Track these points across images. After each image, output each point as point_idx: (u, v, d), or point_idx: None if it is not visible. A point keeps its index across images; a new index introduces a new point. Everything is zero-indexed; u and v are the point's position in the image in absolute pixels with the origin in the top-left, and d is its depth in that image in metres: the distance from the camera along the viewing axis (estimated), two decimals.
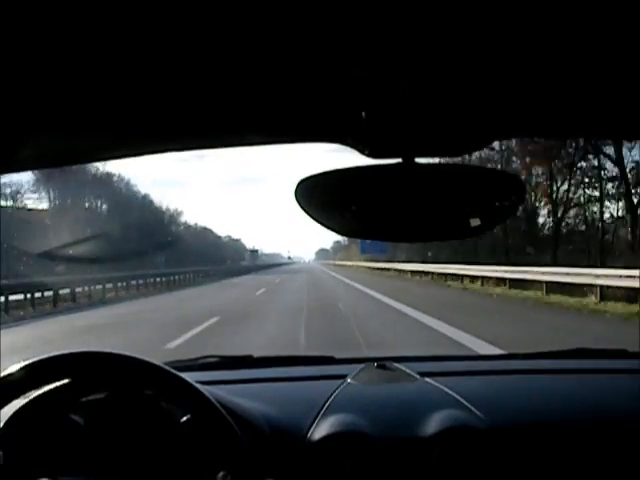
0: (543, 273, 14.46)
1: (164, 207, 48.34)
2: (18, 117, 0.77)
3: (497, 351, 5.95)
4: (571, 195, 24.15)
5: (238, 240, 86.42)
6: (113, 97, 0.75)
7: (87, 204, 36.80)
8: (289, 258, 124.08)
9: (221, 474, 0.99)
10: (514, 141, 22.65)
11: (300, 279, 29.17)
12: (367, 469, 1.15)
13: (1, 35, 0.59)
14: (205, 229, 64.45)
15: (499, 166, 21.87)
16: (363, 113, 0.76)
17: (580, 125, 0.91)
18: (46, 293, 16.12)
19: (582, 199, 24.22)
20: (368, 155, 0.81)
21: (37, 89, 0.71)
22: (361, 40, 0.64)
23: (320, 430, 1.19)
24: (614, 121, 0.88)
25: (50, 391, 1.05)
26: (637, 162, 21.83)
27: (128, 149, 0.90)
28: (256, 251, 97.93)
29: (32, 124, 0.80)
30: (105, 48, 0.64)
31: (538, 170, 24.66)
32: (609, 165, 23.03)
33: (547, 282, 14.15)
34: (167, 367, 1.06)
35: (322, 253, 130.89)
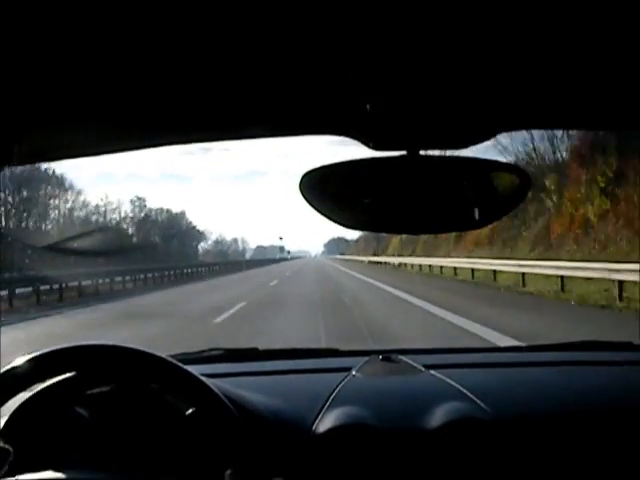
0: None
1: None
2: (19, 110, 0.77)
3: None
4: None
5: (178, 214, 52.03)
6: (115, 90, 0.75)
7: None
8: (282, 250, 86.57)
9: (229, 472, 0.99)
10: None
11: None
12: (372, 461, 1.16)
13: (3, 28, 0.59)
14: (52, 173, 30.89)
15: None
16: (367, 106, 0.76)
17: (583, 116, 0.91)
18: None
19: None
20: (372, 148, 0.81)
21: (38, 83, 0.71)
22: (365, 33, 0.64)
23: (325, 422, 1.19)
24: (616, 111, 0.87)
25: (55, 384, 1.05)
26: None
27: (130, 142, 0.90)
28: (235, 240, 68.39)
29: (33, 117, 0.79)
30: (107, 41, 0.64)
31: None
32: None
33: None
34: (172, 360, 1.06)
35: (335, 245, 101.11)
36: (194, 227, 55.79)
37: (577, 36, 0.66)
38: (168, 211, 50.39)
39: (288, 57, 0.69)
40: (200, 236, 58.27)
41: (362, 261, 44.20)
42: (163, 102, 0.80)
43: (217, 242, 69.64)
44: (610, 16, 0.61)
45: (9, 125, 0.79)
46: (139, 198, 47.63)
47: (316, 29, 0.63)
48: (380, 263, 36.79)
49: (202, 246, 61.40)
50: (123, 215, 44.32)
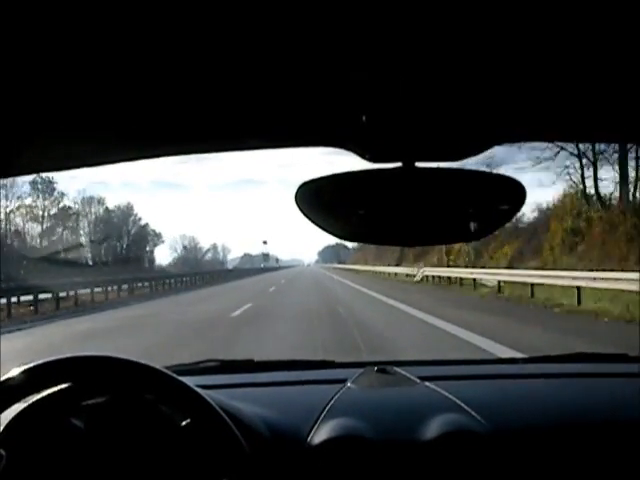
0: None
1: None
2: (18, 121, 0.77)
3: None
4: None
5: (123, 208, 35.74)
6: (113, 101, 0.75)
7: None
8: (266, 259, 71.51)
9: None
10: None
11: None
12: (367, 473, 1.15)
13: (1, 38, 0.59)
14: None
15: None
16: (363, 117, 0.76)
17: (581, 129, 0.91)
18: None
19: None
20: (368, 159, 0.81)
21: (37, 93, 0.71)
22: (361, 44, 0.64)
23: (320, 434, 1.19)
24: (615, 124, 0.88)
25: (50, 395, 1.04)
26: None
27: (129, 153, 0.90)
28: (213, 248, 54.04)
29: (32, 128, 0.80)
30: (106, 52, 0.64)
31: None
32: None
33: None
34: (167, 371, 1.06)
35: (331, 252, 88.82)
36: (145, 225, 39.58)
37: (576, 46, 0.66)
38: (101, 201, 34.27)
39: (283, 69, 0.69)
40: (156, 238, 42.39)
41: (394, 274, 26.83)
42: (162, 113, 0.80)
43: (187, 249, 53.09)
44: (609, 28, 0.62)
45: (8, 136, 0.79)
46: (45, 180, 30.59)
47: (311, 41, 0.64)
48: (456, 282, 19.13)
49: (172, 253, 47.83)
50: (16, 205, 27.91)
